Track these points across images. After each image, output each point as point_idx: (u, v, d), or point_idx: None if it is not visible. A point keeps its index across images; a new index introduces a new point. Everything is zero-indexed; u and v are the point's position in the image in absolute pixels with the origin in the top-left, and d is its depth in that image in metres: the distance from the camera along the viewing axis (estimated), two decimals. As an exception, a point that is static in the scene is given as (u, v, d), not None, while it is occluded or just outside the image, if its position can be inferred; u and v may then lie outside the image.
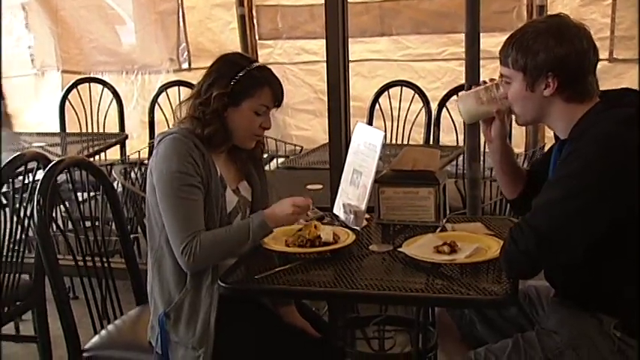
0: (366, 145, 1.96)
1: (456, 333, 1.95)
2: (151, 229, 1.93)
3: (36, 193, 2.06)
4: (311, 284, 1.78)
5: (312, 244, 1.91)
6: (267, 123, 1.95)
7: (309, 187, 2.86)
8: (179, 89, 4.21)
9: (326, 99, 2.35)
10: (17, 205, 2.43)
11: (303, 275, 1.80)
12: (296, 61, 4.87)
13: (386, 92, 4.03)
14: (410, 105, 3.98)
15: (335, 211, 2.08)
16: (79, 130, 4.31)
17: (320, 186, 2.81)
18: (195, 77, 4.32)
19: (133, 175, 3.65)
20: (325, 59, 2.37)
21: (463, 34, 2.58)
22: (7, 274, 2.39)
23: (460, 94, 1.91)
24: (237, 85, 1.90)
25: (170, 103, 4.15)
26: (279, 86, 1.96)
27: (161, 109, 4.23)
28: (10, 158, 2.33)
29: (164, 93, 4.26)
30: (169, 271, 1.91)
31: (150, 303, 2.00)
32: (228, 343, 1.87)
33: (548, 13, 3.94)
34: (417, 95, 3.98)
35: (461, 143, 3.56)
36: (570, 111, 1.67)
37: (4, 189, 2.35)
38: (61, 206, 2.30)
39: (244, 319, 1.90)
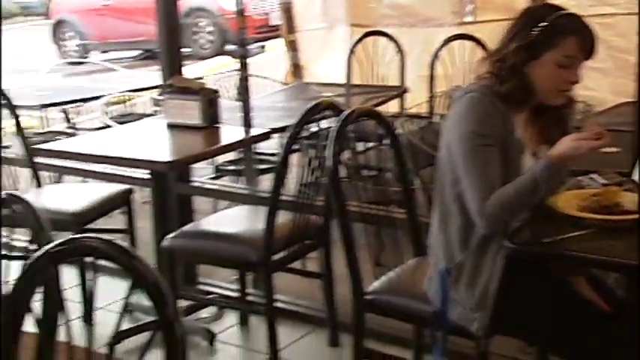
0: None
1: None
2: (441, 185, 1.93)
3: (330, 140, 2.19)
4: (605, 254, 1.66)
5: (609, 211, 1.76)
6: (574, 76, 1.82)
7: (603, 150, 2.64)
8: (461, 43, 4.14)
9: (620, 56, 2.12)
10: (309, 151, 2.61)
11: (597, 243, 1.68)
12: (590, 13, 4.47)
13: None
14: None
15: (636, 177, 1.90)
16: (360, 82, 4.48)
17: (616, 149, 2.59)
18: (479, 30, 4.23)
19: (411, 128, 3.72)
20: (626, 12, 2.12)
21: None
22: (299, 214, 2.59)
23: None
24: (536, 37, 1.79)
25: (451, 58, 4.11)
26: (589, 35, 1.80)
27: (442, 64, 4.20)
28: (309, 106, 2.50)
29: (446, 47, 4.22)
30: (455, 229, 1.90)
31: (430, 255, 2.03)
32: (509, 309, 1.83)
33: None
34: None
35: None
36: None
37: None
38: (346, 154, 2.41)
39: (528, 285, 1.83)
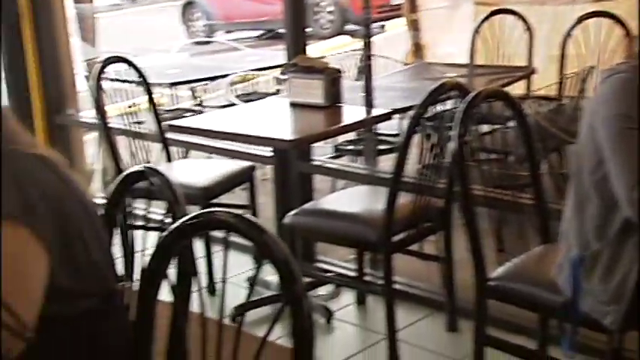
0: None
1: None
2: (579, 170, 1.84)
3: (456, 121, 2.12)
4: None
5: None
6: None
7: None
8: (597, 21, 3.90)
9: None
10: (431, 132, 2.56)
11: None
12: None
13: None
14: None
15: None
16: (484, 62, 4.33)
17: None
18: (617, 7, 3.98)
19: (540, 110, 3.57)
20: None
21: None
22: (419, 196, 2.55)
23: None
24: None
25: (585, 37, 3.89)
26: None
27: (574, 43, 3.98)
28: (434, 86, 2.44)
29: (579, 25, 4.00)
30: (590, 217, 1.80)
31: (561, 241, 1.94)
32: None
33: None
34: None
35: None
36: None
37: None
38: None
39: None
